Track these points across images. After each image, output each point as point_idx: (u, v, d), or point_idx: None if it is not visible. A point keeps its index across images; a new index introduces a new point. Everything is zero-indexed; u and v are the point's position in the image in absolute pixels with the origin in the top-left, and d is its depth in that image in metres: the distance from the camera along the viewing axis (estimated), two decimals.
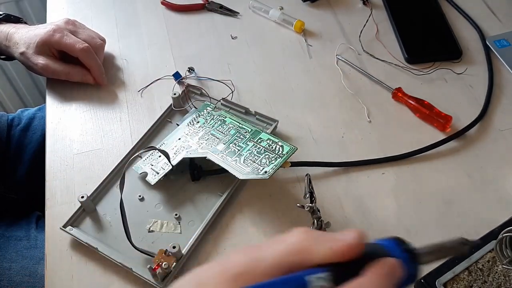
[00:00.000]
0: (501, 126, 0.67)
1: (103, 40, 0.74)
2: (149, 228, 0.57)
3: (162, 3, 0.84)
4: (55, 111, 0.70)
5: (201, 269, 0.29)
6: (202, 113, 0.66)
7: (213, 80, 0.71)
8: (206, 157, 0.59)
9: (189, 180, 0.61)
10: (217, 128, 0.63)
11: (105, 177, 0.61)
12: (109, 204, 0.59)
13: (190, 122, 0.65)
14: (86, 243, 0.55)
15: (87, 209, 0.58)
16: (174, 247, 0.52)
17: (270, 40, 0.79)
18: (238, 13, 0.82)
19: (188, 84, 0.71)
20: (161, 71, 0.73)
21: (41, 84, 1.34)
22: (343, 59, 0.74)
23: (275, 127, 0.65)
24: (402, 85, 0.70)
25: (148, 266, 0.51)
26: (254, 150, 0.58)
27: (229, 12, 0.82)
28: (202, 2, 0.83)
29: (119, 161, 0.62)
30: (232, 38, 0.79)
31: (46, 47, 0.69)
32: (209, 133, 0.62)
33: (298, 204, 0.53)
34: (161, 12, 0.83)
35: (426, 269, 0.52)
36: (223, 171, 0.58)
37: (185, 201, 0.59)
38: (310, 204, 0.52)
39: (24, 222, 0.77)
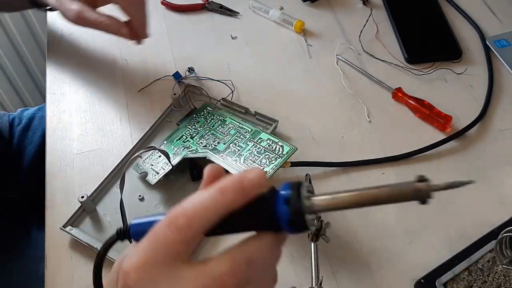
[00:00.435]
0: (501, 126, 0.67)
1: None
2: None
3: (162, 3, 0.84)
4: (55, 111, 0.70)
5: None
6: (202, 113, 0.66)
7: (213, 80, 0.71)
8: (206, 157, 0.59)
9: (189, 180, 0.61)
10: (217, 128, 0.63)
11: (105, 177, 0.61)
12: (109, 204, 0.59)
13: (190, 122, 0.65)
14: (86, 243, 0.55)
15: (87, 209, 0.58)
16: None
17: (270, 40, 0.79)
18: (238, 13, 0.82)
19: (188, 84, 0.71)
20: (161, 71, 0.73)
21: (41, 84, 1.34)
22: (343, 59, 0.74)
23: (275, 127, 0.65)
24: (402, 85, 0.70)
25: None
26: (254, 150, 0.58)
27: (229, 12, 0.82)
28: (202, 2, 0.83)
29: (119, 161, 0.62)
30: (232, 38, 0.79)
31: None
32: (209, 133, 0.62)
33: None
34: (161, 12, 0.83)
35: (426, 269, 0.52)
36: None
37: None
38: None
39: (24, 222, 0.77)
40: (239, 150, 0.59)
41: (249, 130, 0.61)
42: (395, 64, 0.74)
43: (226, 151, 0.59)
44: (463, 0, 0.83)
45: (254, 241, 0.29)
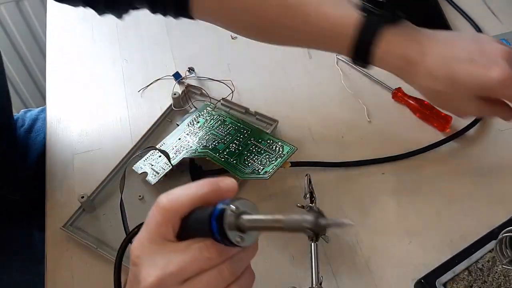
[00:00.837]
0: (501, 126, 0.67)
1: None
2: None
3: None
4: (55, 111, 0.70)
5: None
6: (202, 113, 0.66)
7: (213, 80, 0.71)
8: (206, 157, 0.59)
9: (189, 180, 0.61)
10: (217, 128, 0.63)
11: (105, 177, 0.61)
12: (109, 204, 0.60)
13: (190, 122, 0.65)
14: (86, 243, 0.55)
15: (87, 209, 0.59)
16: None
17: None
18: None
19: (188, 84, 0.71)
20: (161, 71, 0.73)
21: (41, 84, 1.34)
22: (343, 59, 0.74)
23: (275, 127, 0.65)
24: (402, 85, 0.70)
25: None
26: (254, 150, 0.58)
27: None
28: None
29: (119, 161, 0.62)
30: (232, 38, 0.79)
31: None
32: (209, 133, 0.62)
33: (298, 204, 0.53)
34: None
35: (426, 269, 0.52)
36: (223, 171, 0.58)
37: None
38: (310, 204, 0.52)
39: (24, 222, 0.77)
40: (239, 150, 0.59)
41: (249, 130, 0.61)
42: None
43: (226, 151, 0.59)
44: (463, 0, 0.83)
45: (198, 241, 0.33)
